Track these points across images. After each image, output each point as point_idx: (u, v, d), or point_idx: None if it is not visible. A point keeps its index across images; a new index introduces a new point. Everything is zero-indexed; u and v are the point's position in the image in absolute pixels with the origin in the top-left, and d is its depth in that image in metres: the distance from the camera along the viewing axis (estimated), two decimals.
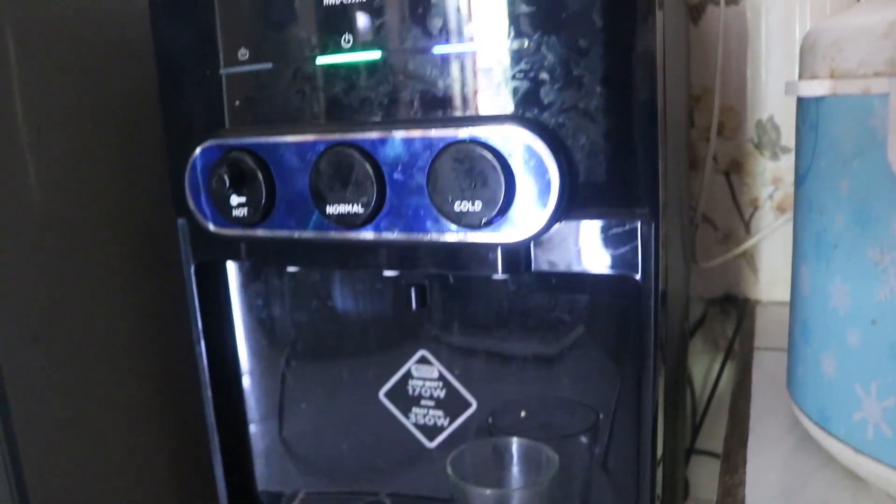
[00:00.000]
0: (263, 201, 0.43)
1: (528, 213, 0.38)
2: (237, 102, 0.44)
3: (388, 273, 0.45)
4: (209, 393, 0.53)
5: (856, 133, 0.36)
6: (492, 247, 0.40)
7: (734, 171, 0.74)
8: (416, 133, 0.39)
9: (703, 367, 0.80)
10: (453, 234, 0.40)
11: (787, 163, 0.73)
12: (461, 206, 0.38)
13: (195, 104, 0.46)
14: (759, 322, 0.70)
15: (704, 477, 0.77)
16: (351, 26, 0.41)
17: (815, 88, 0.38)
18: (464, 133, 0.38)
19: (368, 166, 0.40)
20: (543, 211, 0.38)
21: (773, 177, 0.73)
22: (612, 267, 0.41)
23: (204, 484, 0.58)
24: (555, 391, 0.49)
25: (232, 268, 0.54)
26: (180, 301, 0.52)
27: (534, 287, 0.47)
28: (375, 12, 0.40)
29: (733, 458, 0.44)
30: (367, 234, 0.42)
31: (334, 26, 0.41)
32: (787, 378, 0.46)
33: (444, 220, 0.40)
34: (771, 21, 0.70)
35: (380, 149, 0.40)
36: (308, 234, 0.43)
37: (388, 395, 0.53)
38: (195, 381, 0.54)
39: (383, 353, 0.53)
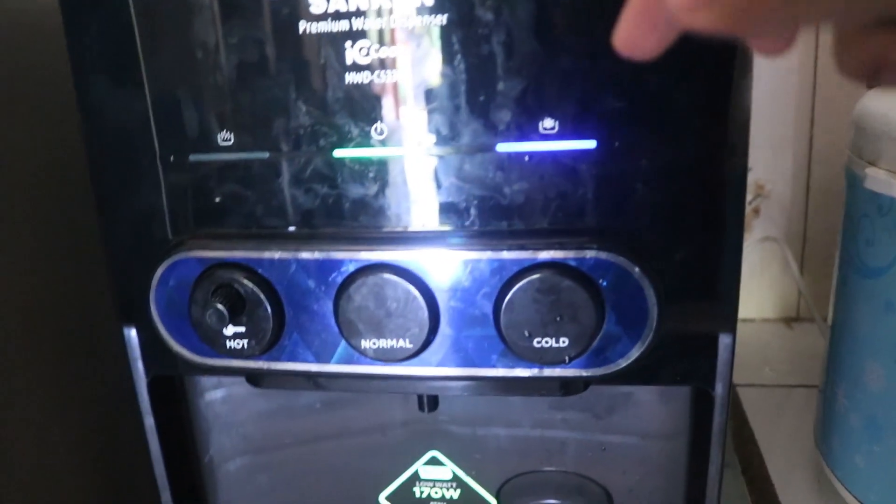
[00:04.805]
0: (269, 334, 0.33)
1: (620, 346, 0.32)
2: (217, 199, 0.34)
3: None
4: None
5: None
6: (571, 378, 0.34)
7: None
8: (483, 254, 0.31)
9: None
10: (527, 370, 0.33)
11: None
12: (541, 342, 0.32)
13: (150, 198, 0.35)
14: None
15: None
16: (383, 113, 0.31)
17: None
18: (544, 255, 0.31)
19: (417, 293, 0.32)
20: (638, 344, 0.32)
21: None
22: (688, 379, 0.36)
23: None
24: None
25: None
26: None
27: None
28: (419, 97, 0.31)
29: None
30: (414, 370, 0.34)
31: (361, 112, 0.32)
32: (833, 470, 0.44)
33: (514, 356, 0.33)
34: None
35: (432, 272, 0.32)
36: (331, 368, 0.34)
37: (390, 498, 0.46)
38: None
39: (387, 455, 0.45)
